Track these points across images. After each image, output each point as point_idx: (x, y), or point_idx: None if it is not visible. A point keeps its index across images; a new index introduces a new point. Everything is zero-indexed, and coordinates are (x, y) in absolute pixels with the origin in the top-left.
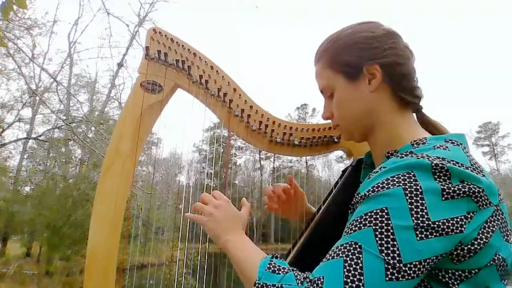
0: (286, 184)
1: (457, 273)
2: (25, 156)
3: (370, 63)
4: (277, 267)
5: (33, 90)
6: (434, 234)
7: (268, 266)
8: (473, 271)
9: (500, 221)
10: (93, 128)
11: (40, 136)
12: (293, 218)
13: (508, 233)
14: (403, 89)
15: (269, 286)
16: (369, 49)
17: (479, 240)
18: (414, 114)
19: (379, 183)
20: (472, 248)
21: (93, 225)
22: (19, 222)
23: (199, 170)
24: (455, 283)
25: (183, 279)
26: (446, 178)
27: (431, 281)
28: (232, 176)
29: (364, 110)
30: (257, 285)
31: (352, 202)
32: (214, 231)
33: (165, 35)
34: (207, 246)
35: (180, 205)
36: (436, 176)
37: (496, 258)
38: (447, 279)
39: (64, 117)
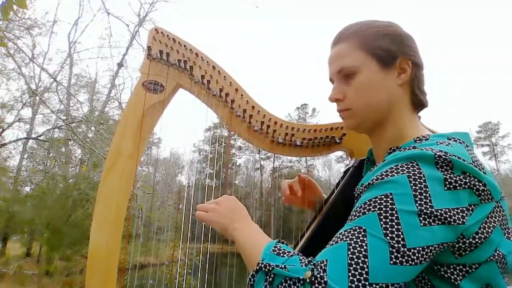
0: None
1: (458, 268)
2: (25, 156)
3: (404, 57)
4: (283, 250)
5: (33, 90)
6: (437, 222)
7: (273, 249)
8: (474, 266)
9: (501, 217)
10: (93, 128)
11: (40, 136)
12: (307, 206)
13: (509, 230)
14: (420, 91)
15: (272, 266)
16: (404, 45)
17: (480, 235)
18: None
19: (383, 171)
20: (473, 242)
21: (94, 225)
22: (19, 222)
23: (199, 170)
24: (458, 278)
25: (184, 279)
26: (448, 168)
27: (433, 279)
28: (232, 176)
29: (385, 101)
30: (260, 264)
31: (356, 194)
32: (220, 223)
33: (167, 35)
34: (207, 246)
35: (180, 205)
36: (438, 166)
37: (496, 254)
38: (449, 274)
39: (64, 117)
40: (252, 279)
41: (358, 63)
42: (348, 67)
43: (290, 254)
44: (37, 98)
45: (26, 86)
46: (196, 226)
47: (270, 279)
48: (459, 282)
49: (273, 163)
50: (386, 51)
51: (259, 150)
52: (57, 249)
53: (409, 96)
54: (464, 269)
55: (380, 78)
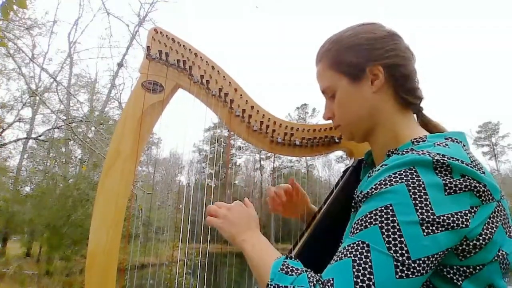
0: (288, 184)
1: (461, 269)
2: (25, 156)
3: (372, 64)
4: (290, 268)
5: (33, 90)
6: (440, 229)
7: (282, 267)
8: (478, 267)
9: (503, 216)
10: (93, 128)
11: (40, 136)
12: (295, 217)
13: (510, 229)
14: (404, 90)
15: (281, 287)
16: (371, 50)
17: (483, 236)
18: (415, 115)
19: (381, 180)
20: (478, 243)
21: (94, 225)
22: (19, 222)
23: (199, 170)
24: (460, 279)
25: (183, 279)
26: (447, 173)
27: (434, 279)
28: (232, 176)
29: (366, 111)
30: (269, 286)
31: (354, 201)
32: (229, 232)
33: (166, 35)
34: (207, 246)
35: (180, 205)
36: (437, 171)
37: (500, 254)
38: (451, 275)
39: (64, 117)
40: None
41: (332, 83)
42: (327, 88)
43: (299, 272)
44: (37, 98)
45: (26, 86)
46: (196, 226)
47: None
48: (461, 282)
49: (273, 163)
50: (352, 65)
51: (259, 150)
52: (57, 249)
53: (393, 97)
54: (468, 271)
55: (354, 92)
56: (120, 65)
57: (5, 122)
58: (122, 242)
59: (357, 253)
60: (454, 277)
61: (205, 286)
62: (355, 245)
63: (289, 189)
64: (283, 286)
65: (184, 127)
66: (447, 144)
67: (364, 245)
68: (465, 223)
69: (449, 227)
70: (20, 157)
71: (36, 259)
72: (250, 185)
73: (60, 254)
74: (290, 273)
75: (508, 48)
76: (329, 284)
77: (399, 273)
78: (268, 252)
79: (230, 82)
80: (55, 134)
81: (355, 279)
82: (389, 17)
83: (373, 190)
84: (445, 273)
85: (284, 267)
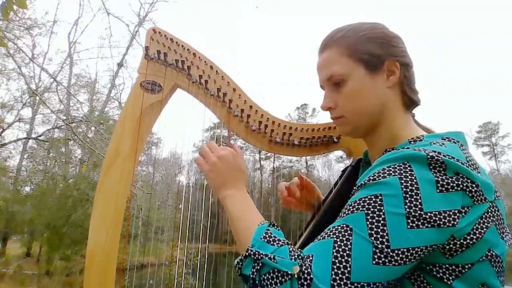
0: (296, 179)
1: (450, 268)
2: (25, 156)
3: (391, 60)
4: (273, 238)
5: (33, 90)
6: (426, 224)
7: (264, 235)
8: (466, 266)
9: (496, 218)
10: (93, 128)
11: (40, 136)
12: (308, 210)
13: (504, 230)
14: (411, 91)
15: (261, 255)
16: (390, 46)
17: (472, 235)
18: None
19: (375, 172)
20: (465, 242)
21: (93, 225)
22: (19, 222)
23: (199, 170)
24: (450, 278)
25: (183, 279)
26: (441, 169)
27: (427, 276)
28: None
29: (377, 105)
30: (249, 251)
31: (351, 195)
32: (214, 183)
33: (165, 35)
34: (205, 247)
35: (180, 205)
36: (431, 167)
37: (489, 254)
38: (441, 274)
39: (64, 117)
40: (240, 263)
41: (346, 70)
42: (337, 75)
43: (280, 243)
44: (37, 98)
45: (26, 86)
46: (196, 226)
47: (258, 267)
48: (451, 281)
49: (273, 163)
50: (373, 55)
51: (259, 150)
52: (57, 249)
53: (400, 96)
54: (456, 269)
55: (369, 83)
56: (120, 65)
57: (5, 122)
58: (121, 242)
59: (340, 235)
60: (444, 276)
61: (204, 286)
62: (339, 227)
63: (298, 183)
64: (263, 254)
65: (183, 127)
66: (443, 143)
67: (348, 228)
68: (451, 222)
69: (435, 224)
70: (20, 157)
71: (36, 259)
72: (250, 185)
73: (60, 254)
74: (272, 242)
75: (508, 48)
76: (308, 260)
77: (376, 260)
78: (251, 214)
79: (228, 82)
80: (55, 134)
81: (333, 259)
82: (389, 17)
83: (366, 181)
84: (434, 272)
85: (267, 235)
